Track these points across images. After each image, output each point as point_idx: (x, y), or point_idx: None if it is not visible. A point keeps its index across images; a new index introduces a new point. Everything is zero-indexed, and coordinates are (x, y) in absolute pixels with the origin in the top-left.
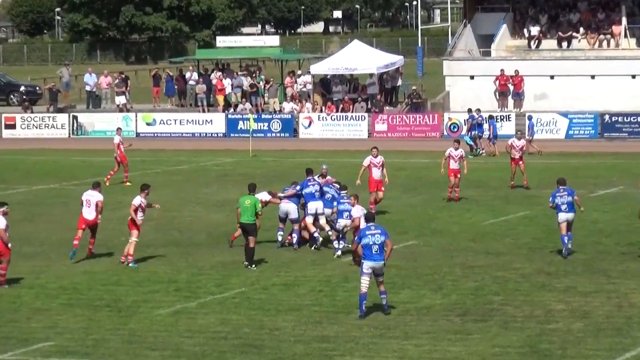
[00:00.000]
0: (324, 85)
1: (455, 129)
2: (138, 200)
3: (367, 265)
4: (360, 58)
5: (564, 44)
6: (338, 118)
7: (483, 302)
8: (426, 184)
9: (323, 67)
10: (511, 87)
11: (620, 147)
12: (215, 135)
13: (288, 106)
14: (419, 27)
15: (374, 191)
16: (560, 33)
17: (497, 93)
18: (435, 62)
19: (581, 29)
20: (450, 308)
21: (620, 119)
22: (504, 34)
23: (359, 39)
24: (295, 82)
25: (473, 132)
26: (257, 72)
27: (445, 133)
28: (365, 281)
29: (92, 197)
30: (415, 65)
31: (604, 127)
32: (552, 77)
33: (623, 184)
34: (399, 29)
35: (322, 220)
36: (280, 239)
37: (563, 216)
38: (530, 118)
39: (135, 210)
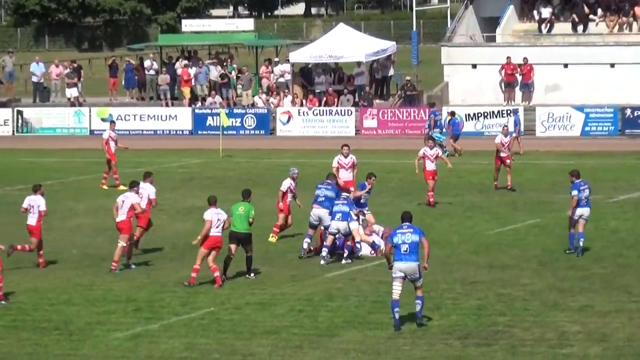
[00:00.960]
0: (305, 75)
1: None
2: (136, 197)
3: (396, 268)
4: (347, 44)
5: (580, 28)
6: (321, 113)
7: (487, 324)
8: (422, 188)
9: (304, 55)
10: (519, 78)
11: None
12: (181, 132)
13: (264, 99)
14: (414, 9)
15: None
16: (575, 15)
17: (502, 84)
18: (433, 48)
19: (599, 11)
20: (449, 330)
21: None
22: (510, 16)
23: (345, 22)
24: (272, 71)
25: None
26: (229, 60)
27: (444, 130)
28: (396, 287)
29: (34, 202)
30: (410, 53)
31: (625, 122)
32: (565, 65)
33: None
34: (391, 11)
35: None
36: (305, 246)
37: (580, 211)
38: (516, 112)
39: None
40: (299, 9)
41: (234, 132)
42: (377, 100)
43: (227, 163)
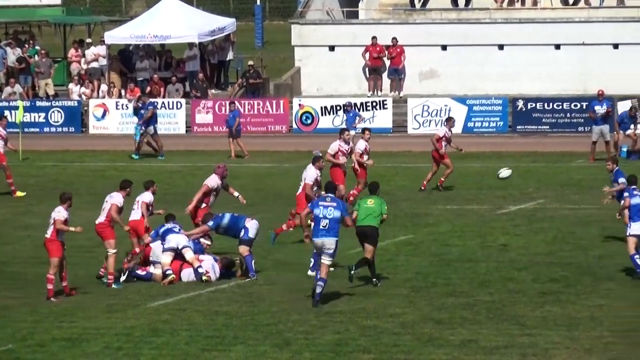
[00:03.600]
0: (125, 59)
1: (309, 121)
2: (120, 199)
3: (314, 244)
4: (175, 22)
5: (461, 2)
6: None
7: None
8: (270, 198)
9: (123, 35)
10: (387, 62)
11: (539, 144)
12: None
13: (70, 90)
14: None
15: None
16: None
17: (367, 70)
18: (281, 27)
19: None
20: None
21: (538, 105)
22: None
23: None
24: (84, 55)
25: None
26: (30, 41)
27: (295, 126)
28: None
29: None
30: (253, 32)
31: (516, 116)
32: (444, 47)
33: (543, 197)
34: None
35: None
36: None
37: (637, 227)
38: (351, 106)
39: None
40: None
41: (37, 130)
42: (213, 91)
43: (29, 168)
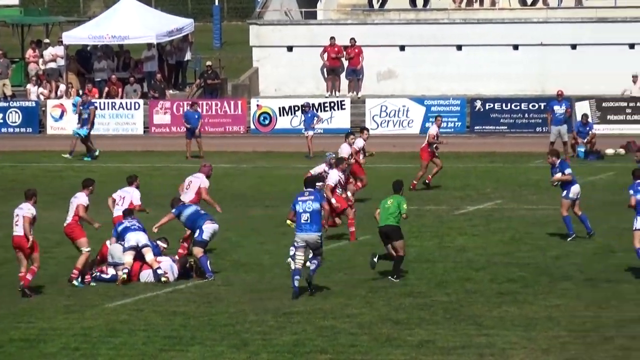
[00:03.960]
0: (82, 60)
1: (267, 122)
2: (85, 198)
3: (298, 238)
4: (133, 22)
5: (420, 2)
6: (102, 106)
7: None
8: (228, 198)
9: (81, 35)
10: (345, 63)
11: (497, 145)
12: None
13: (29, 90)
14: None
15: None
16: None
17: (325, 70)
18: (239, 27)
19: None
20: None
21: (496, 106)
22: None
23: None
24: (41, 56)
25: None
26: None
27: (253, 126)
28: (299, 256)
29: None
30: (211, 32)
31: (475, 117)
32: (402, 48)
33: (500, 197)
34: None
35: None
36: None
37: None
38: (310, 106)
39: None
40: None
41: None
42: (171, 91)
43: None
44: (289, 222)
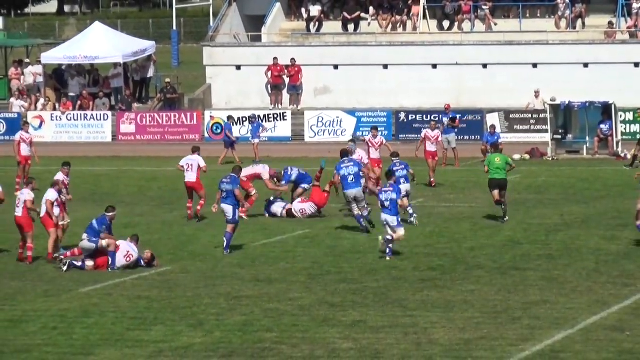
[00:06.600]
0: (58, 77)
1: (219, 131)
2: (54, 195)
3: (347, 194)
4: (103, 44)
5: (351, 27)
6: (75, 117)
7: (253, 340)
8: (185, 197)
9: (57, 55)
10: (287, 80)
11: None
12: None
13: (11, 104)
14: (174, 7)
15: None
16: (345, 14)
17: (269, 87)
18: (194, 49)
19: (371, 9)
20: (213, 348)
21: (418, 117)
22: (277, 14)
23: (100, 20)
24: (23, 73)
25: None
26: None
27: (207, 135)
28: (354, 207)
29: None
30: (170, 53)
31: (400, 127)
32: (336, 67)
33: (422, 197)
34: (149, 9)
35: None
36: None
37: None
38: (256, 118)
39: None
40: (51, 7)
41: None
42: (136, 104)
43: None
44: (334, 180)
